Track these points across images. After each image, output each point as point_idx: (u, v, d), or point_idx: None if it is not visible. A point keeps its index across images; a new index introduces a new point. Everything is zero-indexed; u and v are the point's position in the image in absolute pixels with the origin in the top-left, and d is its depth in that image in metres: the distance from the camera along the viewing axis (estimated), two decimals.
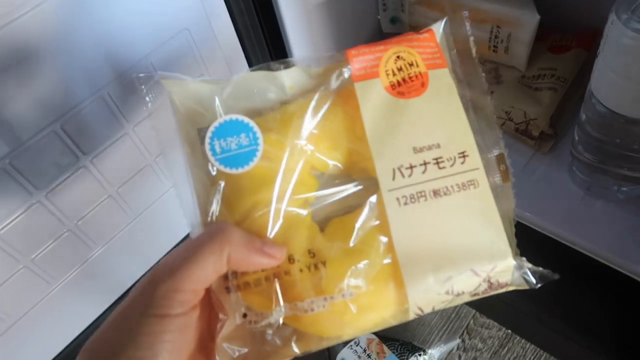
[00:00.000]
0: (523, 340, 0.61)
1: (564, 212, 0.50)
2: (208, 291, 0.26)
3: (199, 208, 0.28)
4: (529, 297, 0.51)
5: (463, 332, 0.64)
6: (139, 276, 0.54)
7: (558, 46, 0.59)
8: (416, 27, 0.68)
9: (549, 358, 0.60)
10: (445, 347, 0.62)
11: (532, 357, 0.60)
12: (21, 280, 0.45)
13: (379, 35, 0.71)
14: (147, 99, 0.29)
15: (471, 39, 0.30)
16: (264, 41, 0.54)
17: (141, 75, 0.28)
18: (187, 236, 0.53)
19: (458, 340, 0.63)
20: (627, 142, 0.44)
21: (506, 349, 0.62)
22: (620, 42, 0.37)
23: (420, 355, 0.60)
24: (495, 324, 0.63)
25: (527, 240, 0.52)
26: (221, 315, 0.27)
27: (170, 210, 0.55)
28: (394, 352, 0.60)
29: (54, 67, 0.40)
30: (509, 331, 0.62)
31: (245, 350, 0.27)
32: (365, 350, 0.60)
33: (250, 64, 0.55)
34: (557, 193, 0.52)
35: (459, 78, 0.30)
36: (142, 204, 0.52)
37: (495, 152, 0.29)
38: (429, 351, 0.60)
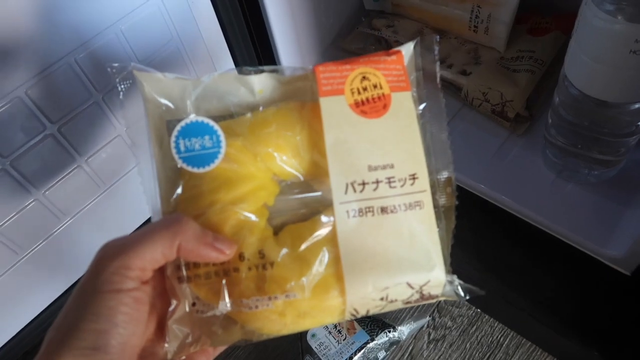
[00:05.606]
0: (492, 319, 0.63)
1: (535, 194, 0.51)
2: (162, 268, 0.28)
3: (161, 197, 0.29)
4: (497, 278, 0.52)
5: (434, 310, 0.65)
6: None
7: (537, 28, 0.59)
8: (398, 6, 0.68)
9: (516, 336, 0.61)
10: (415, 325, 0.63)
11: (499, 335, 0.62)
12: None
13: (362, 12, 0.70)
14: (120, 88, 0.29)
15: (437, 63, 0.31)
16: (240, 9, 0.54)
17: (115, 65, 0.29)
18: None
19: (428, 318, 0.64)
20: (599, 125, 0.45)
21: (475, 327, 0.63)
22: (592, 23, 0.37)
23: (390, 331, 0.60)
24: (466, 302, 0.64)
25: (499, 223, 0.53)
26: (173, 300, 0.28)
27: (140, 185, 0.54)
28: (364, 328, 0.61)
29: (15, 29, 0.39)
30: (479, 310, 0.63)
31: (193, 333, 0.28)
32: (336, 327, 0.61)
33: (222, 26, 0.54)
34: (529, 175, 0.53)
35: (420, 101, 0.31)
36: (113, 176, 0.52)
37: (445, 175, 0.31)
38: (399, 328, 0.61)
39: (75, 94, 0.44)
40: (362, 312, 0.29)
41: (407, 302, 0.30)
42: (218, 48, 0.55)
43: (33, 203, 0.46)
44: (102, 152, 0.49)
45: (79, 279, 0.53)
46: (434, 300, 0.30)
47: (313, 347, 0.59)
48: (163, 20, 0.49)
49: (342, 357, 0.58)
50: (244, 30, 0.55)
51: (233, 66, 0.58)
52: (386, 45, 0.65)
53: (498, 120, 0.56)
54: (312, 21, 0.64)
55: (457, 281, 0.30)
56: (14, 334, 0.51)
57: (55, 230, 0.49)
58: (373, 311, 0.30)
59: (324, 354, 0.59)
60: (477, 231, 0.53)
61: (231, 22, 0.54)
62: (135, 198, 0.54)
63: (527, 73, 0.55)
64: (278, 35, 0.58)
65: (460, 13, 0.59)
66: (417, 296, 0.30)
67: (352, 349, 0.58)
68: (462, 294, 0.30)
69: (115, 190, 0.52)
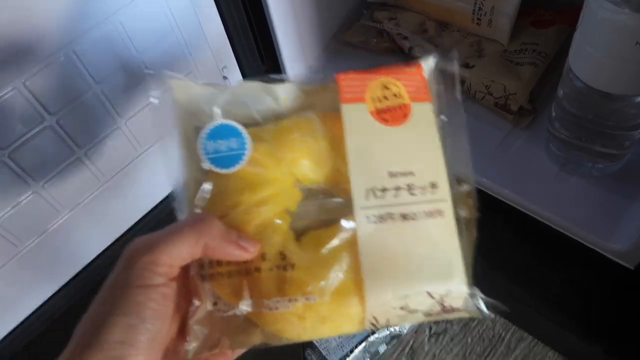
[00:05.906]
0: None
1: (538, 187, 0.51)
2: (185, 269, 0.29)
3: (188, 197, 0.31)
4: (502, 274, 0.52)
5: None
6: (103, 249, 0.54)
7: (541, 21, 0.59)
8: None
9: (517, 330, 0.61)
10: None
11: (500, 329, 0.62)
12: None
13: (363, 4, 0.70)
14: (154, 94, 0.31)
15: (457, 77, 0.32)
16: (240, 2, 0.53)
17: (151, 72, 0.32)
18: (156, 208, 0.54)
19: None
20: (603, 118, 0.44)
21: (476, 321, 0.63)
22: (597, 14, 0.37)
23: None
24: None
25: (504, 219, 0.52)
26: (195, 301, 0.29)
27: (141, 178, 0.54)
28: None
29: (13, 20, 0.38)
30: None
31: (213, 334, 0.29)
32: None
33: (223, 19, 0.54)
34: (532, 168, 0.52)
35: (441, 112, 0.32)
36: (112, 169, 0.51)
37: (466, 188, 0.31)
38: None
39: (73, 85, 0.44)
40: (382, 322, 0.29)
41: (429, 314, 0.29)
42: (219, 41, 0.55)
43: (31, 196, 0.46)
44: (101, 145, 0.49)
45: (78, 274, 0.53)
46: (456, 315, 0.29)
47: (314, 341, 0.59)
48: (163, 13, 0.48)
49: (342, 351, 0.58)
50: (244, 24, 0.55)
51: (234, 59, 0.58)
52: (388, 38, 0.65)
53: (501, 113, 0.56)
54: (314, 14, 0.63)
55: (479, 294, 0.29)
56: (12, 328, 0.50)
57: (54, 223, 0.49)
58: (394, 322, 0.29)
59: (324, 348, 0.59)
60: (483, 229, 0.53)
61: (232, 15, 0.54)
62: (136, 192, 0.53)
63: (531, 66, 0.54)
64: (279, 28, 0.58)
65: (463, 5, 0.59)
66: (438, 308, 0.29)
67: (352, 342, 0.58)
68: (484, 309, 0.29)
69: (115, 183, 0.52)
